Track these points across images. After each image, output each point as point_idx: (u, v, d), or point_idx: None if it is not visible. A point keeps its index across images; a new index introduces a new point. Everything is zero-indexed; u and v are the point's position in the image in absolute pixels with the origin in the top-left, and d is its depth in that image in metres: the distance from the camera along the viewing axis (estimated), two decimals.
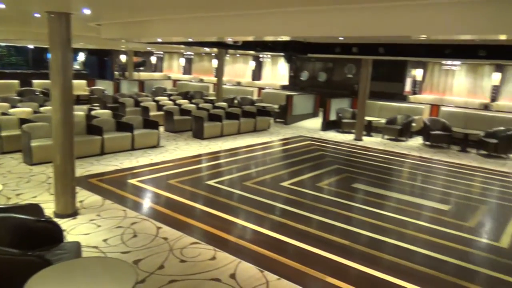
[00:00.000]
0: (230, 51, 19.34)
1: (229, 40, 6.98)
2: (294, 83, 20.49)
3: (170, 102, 14.16)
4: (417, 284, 4.34)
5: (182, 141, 11.08)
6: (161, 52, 25.76)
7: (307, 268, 4.53)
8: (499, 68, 15.49)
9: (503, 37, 4.74)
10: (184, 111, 12.63)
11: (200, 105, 13.45)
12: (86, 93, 18.14)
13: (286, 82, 20.95)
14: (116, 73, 23.92)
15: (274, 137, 12.50)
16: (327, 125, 14.17)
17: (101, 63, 25.01)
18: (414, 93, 17.55)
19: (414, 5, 3.95)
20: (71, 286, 2.94)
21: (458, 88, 16.75)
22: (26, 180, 7.07)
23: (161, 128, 11.82)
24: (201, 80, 23.29)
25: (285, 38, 7.43)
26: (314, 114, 16.71)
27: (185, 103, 14.04)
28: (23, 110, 10.20)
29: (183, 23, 6.28)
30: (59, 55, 5.27)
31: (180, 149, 10.10)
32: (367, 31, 4.25)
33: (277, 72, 21.94)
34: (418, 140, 12.92)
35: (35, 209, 4.20)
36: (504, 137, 11.01)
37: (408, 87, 17.49)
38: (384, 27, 4.21)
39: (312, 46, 12.03)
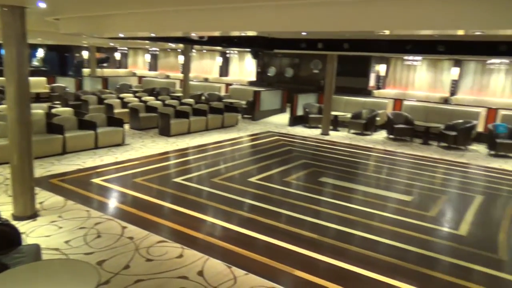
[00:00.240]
0: (197, 47, 19.12)
1: (193, 35, 6.87)
2: (262, 79, 20.53)
3: (136, 99, 13.86)
4: (383, 274, 4.45)
5: (148, 138, 10.87)
6: (125, 48, 25.16)
7: (275, 262, 4.55)
8: (457, 63, 16.11)
9: (460, 32, 4.93)
10: (150, 108, 12.39)
11: (167, 102, 13.23)
12: (46, 90, 17.46)
13: (253, 78, 20.97)
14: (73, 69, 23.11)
15: (242, 133, 12.47)
16: (295, 120, 14.28)
17: (62, 60, 24.13)
18: (378, 88, 17.98)
19: (376, 0, 4.03)
20: None
21: (420, 82, 17.30)
22: None
23: (126, 126, 11.55)
24: (168, 77, 22.92)
25: (250, 33, 7.41)
26: (281, 110, 16.81)
27: (151, 99, 13.78)
28: None
29: (146, 18, 6.15)
30: (13, 51, 5.02)
31: (146, 146, 9.90)
32: (330, 26, 4.30)
33: (244, 68, 21.91)
34: (382, 134, 13.25)
35: None
36: (463, 130, 11.47)
37: (372, 82, 17.90)
38: (347, 22, 4.28)
39: (278, 42, 12.09)
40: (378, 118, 13.40)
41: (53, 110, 10.16)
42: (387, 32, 5.47)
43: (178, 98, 14.85)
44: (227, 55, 22.10)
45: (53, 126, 8.76)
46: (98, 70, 22.25)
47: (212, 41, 10.52)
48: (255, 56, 12.71)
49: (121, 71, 25.05)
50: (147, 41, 15.10)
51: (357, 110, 13.93)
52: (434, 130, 12.10)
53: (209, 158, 9.29)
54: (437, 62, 16.78)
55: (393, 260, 4.81)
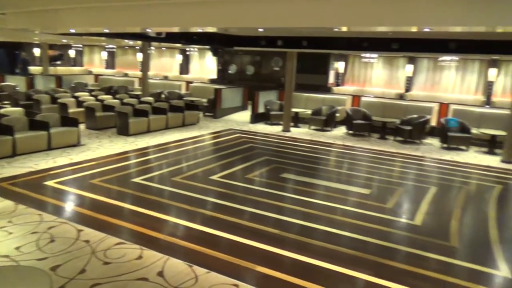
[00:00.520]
0: (156, 44, 18.73)
1: (149, 30, 6.70)
2: (223, 76, 20.43)
3: (92, 98, 13.39)
4: (345, 266, 4.53)
5: (106, 138, 10.52)
6: (80, 45, 24.22)
7: (238, 260, 4.53)
8: (411, 60, 16.72)
9: (413, 29, 5.10)
10: (107, 107, 12.00)
11: (125, 100, 12.87)
12: None
13: (214, 75, 20.81)
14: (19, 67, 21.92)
15: (203, 131, 12.35)
16: (256, 118, 14.31)
17: (11, 57, 22.88)
18: (337, 84, 18.35)
19: None
20: None
21: (377, 79, 17.82)
22: None
23: (82, 126, 11.14)
24: (126, 75, 22.32)
25: (210, 29, 7.32)
26: (243, 107, 16.79)
27: (108, 98, 13.35)
28: None
29: (100, 13, 5.93)
30: None
31: (103, 146, 9.58)
32: (288, 22, 4.31)
33: (205, 66, 21.70)
34: (342, 130, 13.53)
35: None
36: (417, 124, 11.92)
37: (331, 79, 18.24)
38: (304, 19, 4.30)
39: (238, 39, 12.05)
40: (337, 114, 13.67)
41: (2, 110, 9.61)
42: (344, 28, 5.58)
43: (137, 96, 14.48)
44: (187, 53, 21.79)
45: (1, 127, 8.28)
46: (51, 68, 21.31)
47: (171, 37, 10.30)
48: (215, 53, 12.61)
49: (76, 69, 24.12)
50: (103, 38, 14.58)
51: (317, 106, 14.15)
52: (391, 125, 12.50)
53: (169, 157, 9.12)
54: (393, 60, 17.34)
55: (354, 252, 4.91)
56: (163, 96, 16.24)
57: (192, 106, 13.73)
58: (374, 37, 10.35)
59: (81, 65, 25.05)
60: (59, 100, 12.47)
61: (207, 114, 15.31)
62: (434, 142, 12.11)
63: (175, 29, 7.33)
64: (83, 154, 8.78)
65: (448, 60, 15.87)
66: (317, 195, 7.03)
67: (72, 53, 24.59)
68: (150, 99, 13.61)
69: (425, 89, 16.75)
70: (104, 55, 24.16)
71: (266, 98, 14.76)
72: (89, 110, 11.62)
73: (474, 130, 11.49)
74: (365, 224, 5.80)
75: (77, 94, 13.83)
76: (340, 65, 18.23)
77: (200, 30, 7.39)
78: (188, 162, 8.87)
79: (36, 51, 21.58)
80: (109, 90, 16.76)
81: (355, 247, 5.06)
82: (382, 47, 10.66)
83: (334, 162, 9.93)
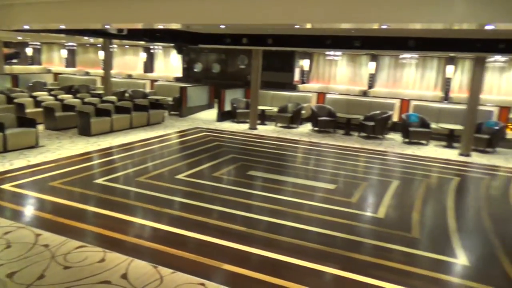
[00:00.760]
0: (118, 42, 18.27)
1: (107, 27, 6.50)
2: (188, 75, 20.19)
3: (51, 97, 12.89)
4: (312, 261, 4.57)
5: (67, 139, 10.15)
6: (38, 43, 23.27)
7: (204, 259, 4.47)
8: (374, 58, 17.15)
9: (375, 26, 5.18)
10: (67, 107, 11.58)
11: (86, 100, 12.47)
12: None
13: (180, 74, 20.54)
14: None
15: (169, 130, 12.15)
16: (223, 116, 14.24)
17: None
18: (303, 82, 18.56)
19: None
20: None
21: (341, 77, 18.15)
22: None
23: (41, 126, 10.70)
24: (87, 73, 21.64)
25: (171, 26, 7.18)
26: (209, 106, 16.66)
27: (68, 98, 12.89)
28: None
29: (56, 8, 5.69)
30: None
31: (64, 148, 9.23)
32: (251, 19, 4.29)
33: (170, 64, 21.38)
34: (307, 126, 13.68)
35: None
36: (380, 120, 12.23)
37: (297, 76, 18.42)
38: (268, 16, 4.29)
39: (202, 37, 11.94)
40: (303, 111, 13.81)
41: None
42: (308, 25, 5.61)
43: (99, 95, 14.07)
44: (152, 51, 21.40)
45: None
46: (7, 67, 20.35)
47: (133, 35, 10.06)
48: (179, 51, 12.42)
49: (34, 67, 23.14)
50: (62, 35, 14.08)
51: (283, 104, 14.24)
52: (355, 121, 12.77)
53: (134, 157, 8.91)
54: (356, 57, 17.72)
55: (321, 247, 4.97)
56: (127, 95, 15.87)
57: (157, 105, 13.49)
58: (337, 34, 10.52)
59: (39, 64, 24.07)
60: (16, 100, 11.93)
61: (172, 113, 15.08)
62: (396, 137, 12.47)
63: (137, 26, 7.14)
64: (41, 155, 8.43)
65: (408, 57, 16.40)
66: (284, 192, 7.06)
67: (29, 51, 23.59)
68: (113, 98, 13.26)
69: (387, 85, 17.22)
70: (64, 53, 23.33)
71: (233, 96, 14.71)
72: (48, 110, 11.17)
73: (433, 125, 11.92)
74: (331, 218, 5.89)
75: (35, 93, 13.26)
76: (305, 63, 18.44)
77: (161, 27, 7.25)
78: (153, 162, 8.70)
79: None
80: (69, 89, 16.19)
81: (322, 242, 5.12)
82: (345, 44, 10.86)
83: (301, 159, 10.03)
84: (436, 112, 12.89)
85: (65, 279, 3.90)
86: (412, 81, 16.89)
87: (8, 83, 17.03)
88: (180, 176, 7.58)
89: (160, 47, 20.78)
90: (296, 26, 4.95)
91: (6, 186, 6.54)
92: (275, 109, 14.04)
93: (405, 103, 13.51)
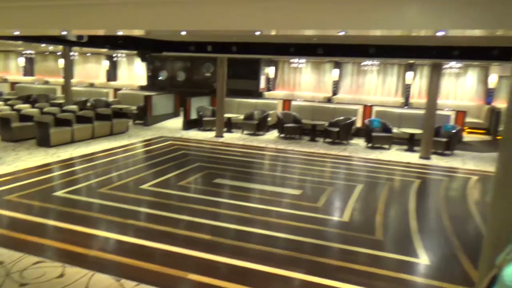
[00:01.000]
0: (79, 49, 17.78)
1: (64, 33, 6.28)
2: (153, 83, 19.91)
3: (7, 107, 12.33)
4: (280, 267, 4.58)
5: (24, 150, 9.73)
6: None
7: (170, 269, 4.38)
8: (337, 65, 17.54)
9: (335, 32, 5.28)
10: (25, 117, 11.11)
11: (45, 110, 12.01)
12: None
13: (144, 82, 20.21)
14: None
15: (133, 139, 11.90)
16: (189, 124, 14.11)
17: None
18: (269, 89, 18.71)
19: (260, 1, 4.06)
20: None
21: (306, 84, 18.44)
22: None
23: None
24: (47, 82, 20.92)
25: (133, 32, 7.03)
26: (175, 114, 16.47)
27: (26, 107, 12.38)
28: None
29: (8, 13, 5.44)
30: None
31: (21, 159, 8.84)
32: (212, 25, 4.27)
33: (134, 72, 21.02)
34: (274, 133, 13.77)
35: None
36: (344, 126, 12.49)
37: (263, 84, 18.55)
38: (230, 22, 4.28)
39: (166, 44, 11.81)
40: (269, 119, 13.90)
41: None
42: (273, 32, 5.65)
43: (59, 105, 13.60)
44: (115, 59, 20.97)
45: None
46: None
47: (94, 42, 9.78)
48: (143, 58, 12.20)
49: None
50: (19, 42, 13.54)
51: (249, 111, 14.27)
52: (320, 127, 12.96)
53: (96, 168, 8.65)
54: (320, 65, 18.06)
55: (288, 252, 4.99)
56: (88, 104, 15.43)
57: (120, 114, 13.19)
58: (300, 42, 10.69)
59: None
60: None
61: (137, 122, 14.79)
62: (360, 142, 12.75)
63: (97, 32, 6.97)
64: None
65: (370, 64, 16.89)
66: (251, 199, 7.05)
67: None
68: (74, 107, 12.85)
69: (351, 92, 17.64)
70: (22, 61, 22.44)
71: (199, 104, 14.61)
72: (4, 121, 10.68)
73: (395, 130, 12.28)
74: (298, 224, 5.92)
75: None
76: (270, 71, 18.61)
77: (121, 33, 7.10)
78: (116, 172, 8.47)
79: None
80: (27, 99, 15.57)
81: (289, 248, 5.14)
82: (308, 52, 11.05)
83: (267, 166, 10.07)
84: (397, 117, 13.31)
85: None
86: (374, 87, 17.40)
87: None
88: (145, 186, 7.42)
89: (124, 55, 20.40)
90: (257, 33, 4.98)
91: None
92: (241, 116, 14.05)
93: (367, 109, 13.87)
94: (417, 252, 5.15)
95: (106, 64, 20.96)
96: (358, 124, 13.53)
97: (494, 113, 13.91)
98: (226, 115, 13.59)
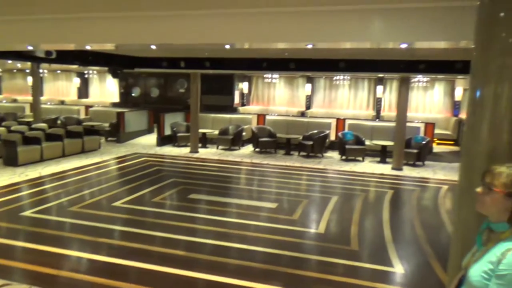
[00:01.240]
0: (49, 66, 17.41)
1: (30, 48, 6.16)
2: (126, 100, 19.67)
3: None
4: (257, 281, 4.54)
5: None
6: None
7: (145, 287, 4.27)
8: (310, 80, 17.85)
9: (310, 46, 5.40)
10: None
11: (13, 128, 11.65)
12: None
13: (117, 99, 19.95)
14: None
15: (105, 156, 11.66)
16: (163, 140, 13.96)
17: None
18: (243, 104, 18.80)
19: (233, 14, 4.12)
20: None
21: (279, 98, 18.65)
22: None
23: None
24: (15, 100, 20.35)
25: (103, 46, 6.95)
26: (149, 131, 16.28)
27: None
28: None
29: None
30: None
31: None
32: (181, 39, 4.29)
33: (106, 89, 20.73)
34: (249, 148, 13.79)
35: None
36: (318, 139, 12.64)
37: (237, 99, 18.64)
38: (202, 35, 4.32)
39: (138, 60, 11.75)
40: (244, 133, 13.93)
41: None
42: (246, 45, 5.71)
43: (27, 123, 13.22)
44: (86, 76, 20.65)
45: None
46: None
47: (63, 58, 9.61)
48: (114, 75, 12.09)
49: None
50: None
51: (224, 126, 14.27)
52: (294, 141, 13.08)
53: (67, 186, 8.40)
54: (293, 80, 18.33)
55: (266, 266, 4.95)
56: (59, 122, 15.08)
57: (92, 131, 12.93)
58: (273, 57, 10.86)
59: None
60: None
61: (110, 139, 14.53)
62: (334, 155, 12.92)
63: (66, 47, 6.86)
64: None
65: (341, 79, 17.27)
66: (227, 213, 7.00)
67: None
68: (44, 125, 12.52)
69: (324, 106, 17.94)
70: None
71: (172, 120, 14.50)
72: None
73: (367, 142, 12.52)
74: (275, 237, 5.91)
75: None
76: (244, 86, 18.74)
77: (89, 48, 7.02)
78: (88, 190, 8.26)
79: None
80: None
81: (266, 261, 5.11)
82: (280, 66, 11.23)
83: (243, 180, 10.04)
84: (369, 130, 13.59)
85: None
86: (346, 101, 17.76)
87: None
88: (117, 204, 7.25)
89: (95, 72, 20.13)
90: (227, 46, 5.03)
91: None
92: (216, 132, 14.03)
93: (340, 122, 14.11)
94: (391, 261, 5.21)
95: (77, 81, 20.61)
96: (332, 137, 13.72)
97: (461, 125, 14.42)
98: (201, 131, 13.54)
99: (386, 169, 11.05)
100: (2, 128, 11.54)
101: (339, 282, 4.62)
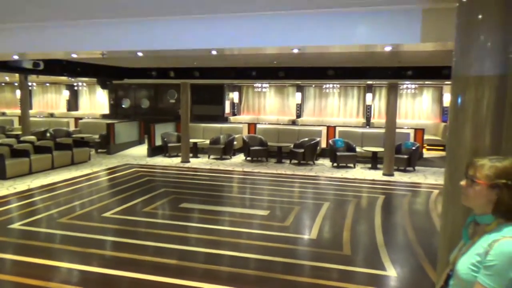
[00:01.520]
0: (37, 79, 17.30)
1: (15, 57, 6.13)
2: (116, 111, 19.60)
3: None
4: None
5: None
6: None
7: None
8: (299, 89, 17.97)
9: (295, 50, 5.45)
10: None
11: (1, 141, 11.51)
12: None
13: (107, 111, 19.86)
14: None
15: (96, 168, 11.55)
16: (154, 151, 13.90)
17: None
18: (234, 114, 18.84)
19: (217, 18, 4.14)
20: None
21: (270, 107, 18.73)
22: None
23: None
24: (4, 114, 20.18)
25: (91, 53, 6.88)
26: (140, 141, 16.21)
27: None
28: None
29: None
30: None
31: None
32: (167, 44, 4.30)
33: (96, 101, 20.66)
34: (240, 157, 13.78)
35: None
36: (309, 147, 12.68)
37: (228, 109, 18.67)
38: (187, 41, 4.33)
39: (128, 71, 11.74)
40: (235, 142, 13.92)
41: None
42: (234, 51, 5.73)
43: (16, 136, 13.09)
44: (75, 88, 20.56)
45: None
46: None
47: (51, 70, 9.55)
48: (103, 86, 12.03)
49: None
50: None
51: (215, 136, 14.26)
52: (285, 149, 13.11)
53: (56, 198, 8.30)
54: (283, 89, 18.44)
55: (260, 273, 4.92)
56: (48, 134, 14.96)
57: (82, 143, 12.84)
58: (262, 66, 10.92)
59: None
60: None
61: (100, 150, 14.43)
62: (326, 162, 12.96)
63: (52, 55, 6.82)
64: None
65: (331, 87, 17.41)
66: (219, 222, 6.96)
67: None
68: (32, 138, 12.39)
69: (314, 114, 18.06)
70: None
71: (163, 131, 14.46)
72: None
73: (358, 149, 12.59)
74: (267, 244, 5.88)
75: None
76: (235, 95, 18.80)
77: (75, 56, 6.99)
78: (78, 201, 8.16)
79: None
80: None
81: (260, 268, 5.08)
82: (270, 75, 11.29)
83: (235, 188, 10.01)
84: (360, 137, 13.68)
85: None
86: (337, 109, 17.90)
87: None
88: (108, 214, 7.17)
89: (85, 84, 20.06)
90: (213, 52, 5.04)
91: None
92: (207, 141, 14.01)
93: (331, 129, 14.18)
94: (384, 265, 5.21)
95: (66, 93, 20.50)
96: (323, 144, 13.78)
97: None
98: (192, 140, 13.52)
99: (377, 175, 11.10)
100: None
101: (332, 287, 4.60)
